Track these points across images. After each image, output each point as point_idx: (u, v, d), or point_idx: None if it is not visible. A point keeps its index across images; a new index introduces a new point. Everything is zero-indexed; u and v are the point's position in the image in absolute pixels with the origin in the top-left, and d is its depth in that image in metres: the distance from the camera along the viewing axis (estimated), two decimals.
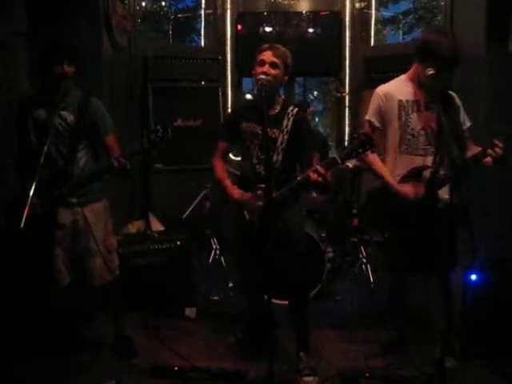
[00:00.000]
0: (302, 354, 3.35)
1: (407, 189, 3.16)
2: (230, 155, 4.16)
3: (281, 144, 3.20)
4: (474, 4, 5.01)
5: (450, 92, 3.25)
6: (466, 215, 3.09)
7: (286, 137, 3.20)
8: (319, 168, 2.91)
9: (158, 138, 3.03)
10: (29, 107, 3.30)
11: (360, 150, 2.86)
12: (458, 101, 3.27)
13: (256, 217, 3.16)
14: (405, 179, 3.18)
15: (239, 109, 3.65)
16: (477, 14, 4.93)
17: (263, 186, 3.07)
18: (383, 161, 3.33)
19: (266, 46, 3.21)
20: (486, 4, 4.79)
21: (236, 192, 3.27)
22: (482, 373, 3.26)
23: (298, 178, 3.09)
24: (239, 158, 3.54)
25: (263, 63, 3.12)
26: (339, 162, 2.90)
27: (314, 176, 2.92)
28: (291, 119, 3.21)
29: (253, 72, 3.19)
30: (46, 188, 3.15)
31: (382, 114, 3.27)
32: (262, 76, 3.06)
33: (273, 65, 3.12)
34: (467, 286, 3.51)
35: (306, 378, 3.24)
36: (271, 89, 3.09)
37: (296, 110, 3.25)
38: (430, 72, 3.01)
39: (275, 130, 3.20)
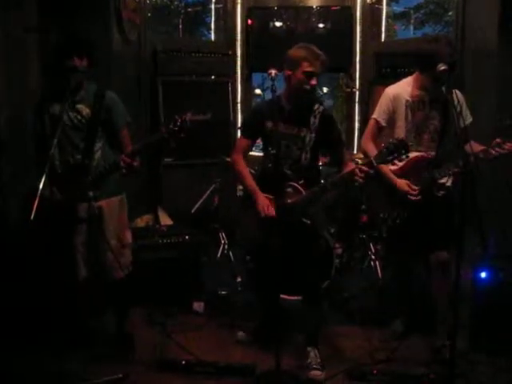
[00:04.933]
0: (309, 348, 3.36)
1: (402, 183, 3.37)
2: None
3: (309, 142, 3.28)
4: None
5: (453, 91, 3.26)
6: (477, 212, 3.10)
7: (313, 135, 3.27)
8: (359, 170, 3.00)
9: (177, 128, 3.01)
10: (44, 104, 3.31)
11: (395, 155, 2.97)
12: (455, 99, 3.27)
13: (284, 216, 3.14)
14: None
15: (263, 106, 3.59)
16: (489, 9, 4.89)
17: (293, 183, 3.22)
18: None
19: (315, 52, 3.19)
20: None
21: (265, 202, 3.26)
22: (490, 370, 3.25)
23: (332, 178, 3.19)
24: (258, 154, 3.59)
25: (312, 75, 3.16)
26: (375, 164, 3.02)
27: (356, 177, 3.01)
28: (318, 117, 3.28)
29: (291, 73, 3.21)
30: (65, 182, 3.19)
31: (389, 113, 3.47)
32: (309, 87, 3.15)
33: (319, 75, 3.19)
34: (477, 283, 3.51)
35: (313, 372, 3.24)
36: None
37: (322, 107, 3.32)
38: (443, 67, 3.04)
39: (303, 129, 3.27)
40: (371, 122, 3.56)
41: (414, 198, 3.33)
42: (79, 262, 3.32)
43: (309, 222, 3.26)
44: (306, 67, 3.15)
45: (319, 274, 3.43)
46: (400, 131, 3.42)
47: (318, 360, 3.30)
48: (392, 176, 3.42)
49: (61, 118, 3.14)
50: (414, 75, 3.46)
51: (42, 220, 2.74)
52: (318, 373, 3.24)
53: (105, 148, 3.35)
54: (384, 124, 3.49)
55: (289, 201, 3.22)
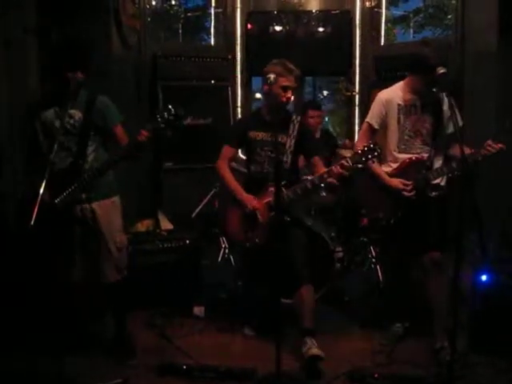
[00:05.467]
0: (306, 338, 3.42)
1: (395, 181, 3.47)
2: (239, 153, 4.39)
3: (289, 147, 3.59)
4: (486, 2, 4.98)
5: (442, 95, 3.46)
6: (478, 215, 3.11)
7: (293, 141, 3.60)
8: (334, 170, 3.28)
9: (172, 116, 3.07)
10: (37, 108, 3.34)
11: (369, 156, 3.20)
12: (446, 104, 3.42)
13: (268, 219, 3.51)
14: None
15: (246, 118, 4.21)
16: (488, 12, 4.90)
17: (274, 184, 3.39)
18: (383, 160, 3.61)
19: (290, 68, 3.47)
20: (497, 1, 4.77)
21: (250, 199, 3.58)
22: (489, 371, 3.25)
23: (310, 178, 3.46)
24: (245, 157, 3.90)
25: (288, 89, 3.47)
26: (348, 165, 3.26)
27: (330, 179, 3.31)
28: (296, 125, 3.62)
29: (267, 88, 3.46)
30: (59, 184, 3.18)
31: (382, 117, 3.57)
32: (285, 100, 3.48)
33: (294, 89, 3.52)
34: (477, 286, 3.51)
35: (312, 350, 3.29)
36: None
37: (299, 117, 3.69)
38: (442, 71, 3.15)
39: (283, 136, 3.59)
40: (365, 126, 3.66)
41: (407, 194, 3.43)
42: (76, 263, 3.37)
43: (288, 218, 3.56)
44: (282, 82, 3.44)
45: (309, 267, 3.59)
46: (393, 135, 3.53)
47: (316, 346, 3.35)
48: (385, 176, 3.52)
49: (55, 125, 3.23)
50: (406, 80, 3.54)
51: (38, 223, 2.79)
52: (315, 350, 3.29)
53: (98, 151, 3.39)
54: (377, 127, 3.58)
55: (270, 199, 3.51)
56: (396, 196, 3.45)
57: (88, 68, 3.28)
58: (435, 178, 3.43)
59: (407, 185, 3.43)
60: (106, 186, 3.37)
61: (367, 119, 3.64)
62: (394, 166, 3.54)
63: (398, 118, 3.50)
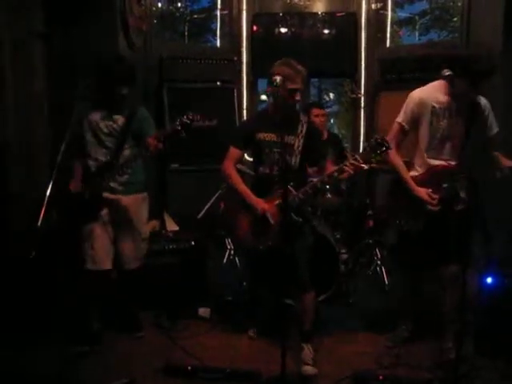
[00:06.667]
0: (303, 344, 3.51)
1: (422, 191, 3.36)
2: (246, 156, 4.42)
3: (297, 148, 3.47)
4: (492, 4, 4.97)
5: (479, 98, 3.31)
6: (484, 219, 3.11)
7: (301, 141, 3.48)
8: (345, 168, 3.20)
9: (189, 121, 3.33)
10: (87, 109, 3.64)
11: (378, 152, 3.11)
12: (484, 107, 3.32)
13: (280, 221, 3.38)
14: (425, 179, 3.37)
15: (253, 119, 4.05)
16: (494, 14, 4.90)
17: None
18: (411, 163, 3.51)
19: (297, 69, 3.33)
20: (503, 3, 4.76)
21: (259, 202, 3.47)
22: (495, 375, 3.25)
23: (320, 177, 3.35)
24: (251, 159, 3.83)
25: (295, 92, 3.33)
26: (359, 163, 3.20)
27: (341, 176, 3.28)
28: (305, 126, 3.51)
29: (272, 89, 3.34)
30: (94, 177, 3.60)
31: (414, 118, 3.41)
32: (292, 102, 3.38)
33: (301, 91, 3.39)
34: (483, 289, 3.51)
35: (305, 368, 3.38)
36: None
37: (307, 118, 3.62)
38: (447, 73, 3.14)
39: (292, 137, 3.47)
40: (395, 126, 3.50)
41: (433, 207, 3.33)
42: (102, 251, 3.64)
43: (300, 219, 3.43)
44: (289, 85, 3.31)
45: (310, 273, 3.54)
46: (423, 137, 3.40)
47: (311, 355, 3.46)
48: (412, 184, 3.40)
49: (98, 125, 3.62)
50: (443, 81, 3.34)
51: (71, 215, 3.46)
52: (309, 368, 3.38)
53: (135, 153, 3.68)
54: (408, 128, 3.45)
55: (281, 200, 3.36)
56: (420, 204, 3.35)
57: (133, 83, 3.62)
58: (462, 190, 3.30)
59: (434, 198, 3.32)
60: (140, 181, 3.79)
61: (398, 119, 3.48)
62: (421, 170, 3.43)
63: (431, 121, 3.35)
